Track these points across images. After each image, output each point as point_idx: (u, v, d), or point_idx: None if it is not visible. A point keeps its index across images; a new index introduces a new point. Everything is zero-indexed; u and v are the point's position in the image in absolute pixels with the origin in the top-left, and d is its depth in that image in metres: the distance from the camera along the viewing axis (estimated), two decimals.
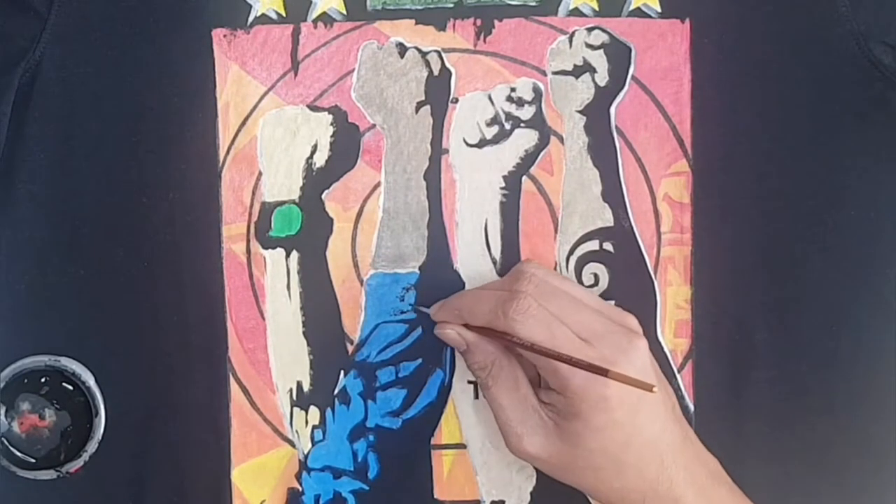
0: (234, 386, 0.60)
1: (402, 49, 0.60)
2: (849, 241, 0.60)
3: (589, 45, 0.60)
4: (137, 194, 0.59)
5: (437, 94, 0.60)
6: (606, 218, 0.60)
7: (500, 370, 0.56)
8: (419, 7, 0.59)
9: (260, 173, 0.60)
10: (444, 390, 0.61)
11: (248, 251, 0.60)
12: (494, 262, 0.60)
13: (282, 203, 0.60)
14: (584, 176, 0.60)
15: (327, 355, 0.60)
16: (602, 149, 0.60)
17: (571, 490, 0.56)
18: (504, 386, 0.56)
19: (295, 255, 0.60)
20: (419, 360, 0.61)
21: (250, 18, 0.59)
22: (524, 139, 0.60)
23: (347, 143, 0.60)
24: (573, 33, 0.60)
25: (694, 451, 0.56)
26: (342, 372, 0.61)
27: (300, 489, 0.61)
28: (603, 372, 0.50)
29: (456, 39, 0.60)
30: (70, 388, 0.59)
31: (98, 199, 0.59)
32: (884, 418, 0.61)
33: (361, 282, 0.60)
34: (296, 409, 0.60)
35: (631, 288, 0.60)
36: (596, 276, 0.60)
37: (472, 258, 0.60)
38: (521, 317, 0.54)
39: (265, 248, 0.60)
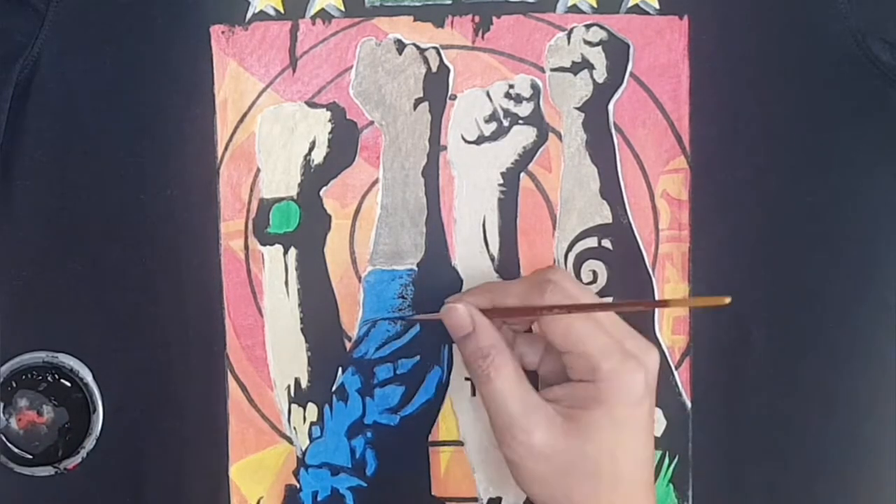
0: (231, 383, 0.60)
1: (400, 46, 0.60)
2: (847, 238, 0.60)
3: (587, 42, 0.60)
4: (135, 191, 0.59)
5: (436, 90, 0.60)
6: (605, 215, 0.60)
7: (503, 357, 0.53)
8: (417, 4, 0.59)
9: (258, 170, 0.60)
10: (442, 387, 0.61)
11: (247, 248, 0.60)
12: (492, 259, 0.60)
13: (280, 200, 0.60)
14: (582, 173, 0.60)
15: (325, 352, 0.60)
16: (600, 145, 0.60)
17: None
18: (507, 376, 0.53)
19: (293, 251, 0.60)
20: (417, 357, 0.61)
21: (248, 15, 0.59)
22: (522, 136, 0.60)
23: (345, 139, 0.60)
24: (571, 30, 0.60)
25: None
26: (340, 369, 0.61)
27: (298, 486, 0.61)
28: (664, 304, 0.52)
29: (454, 36, 0.60)
30: (68, 384, 0.59)
31: (96, 196, 0.59)
32: (882, 417, 0.61)
33: (359, 278, 0.60)
34: (294, 406, 0.60)
35: (629, 285, 0.60)
36: (594, 272, 0.60)
37: (471, 255, 0.60)
38: (557, 286, 0.53)
39: (263, 244, 0.60)
